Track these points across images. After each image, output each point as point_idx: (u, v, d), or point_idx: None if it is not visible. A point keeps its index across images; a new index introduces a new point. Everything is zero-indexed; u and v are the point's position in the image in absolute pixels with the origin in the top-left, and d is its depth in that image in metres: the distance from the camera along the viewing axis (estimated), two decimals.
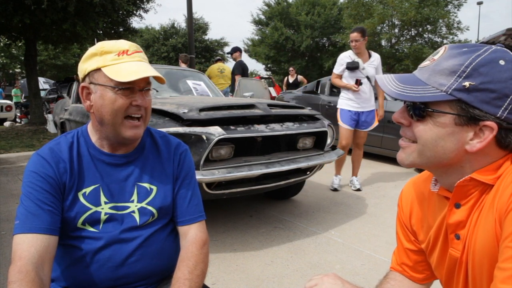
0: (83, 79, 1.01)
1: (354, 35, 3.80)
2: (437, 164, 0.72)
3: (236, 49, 7.05)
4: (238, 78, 6.37)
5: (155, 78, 1.01)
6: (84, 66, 1.00)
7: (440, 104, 0.67)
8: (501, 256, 0.62)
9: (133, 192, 1.05)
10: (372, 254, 2.49)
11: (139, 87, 0.99)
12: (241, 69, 6.61)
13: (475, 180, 0.69)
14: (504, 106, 0.64)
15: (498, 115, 0.64)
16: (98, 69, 0.97)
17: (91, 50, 1.00)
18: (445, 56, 0.69)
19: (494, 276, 0.63)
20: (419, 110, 0.70)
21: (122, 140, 1.03)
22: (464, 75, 0.65)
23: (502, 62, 0.65)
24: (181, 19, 49.16)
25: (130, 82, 0.95)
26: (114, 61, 0.97)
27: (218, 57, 8.73)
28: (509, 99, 0.64)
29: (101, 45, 0.99)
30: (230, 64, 7.08)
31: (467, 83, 0.64)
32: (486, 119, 0.65)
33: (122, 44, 1.00)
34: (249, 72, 7.52)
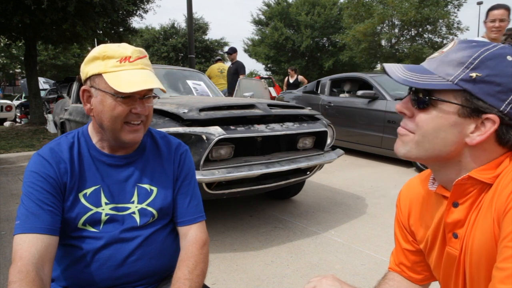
0: (85, 81, 1.01)
1: (500, 12, 2.90)
2: (435, 157, 0.72)
3: (235, 50, 7.18)
4: (242, 77, 6.49)
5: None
6: (86, 69, 1.00)
7: (445, 93, 0.68)
8: (500, 256, 0.62)
9: (133, 193, 1.05)
10: (372, 254, 2.49)
11: (139, 95, 0.98)
12: (243, 69, 6.81)
13: (473, 178, 0.69)
14: (508, 101, 0.65)
15: (501, 108, 0.65)
16: (99, 74, 0.97)
17: (93, 52, 0.99)
18: (455, 49, 0.70)
19: (492, 276, 0.63)
20: (424, 99, 0.70)
21: (121, 143, 1.03)
22: (471, 66, 0.66)
23: (510, 58, 0.65)
24: (181, 19, 49.21)
25: None
26: (115, 67, 0.96)
27: (218, 57, 8.74)
28: None
29: (103, 49, 0.97)
30: (227, 65, 7.23)
31: (474, 74, 0.65)
32: (489, 112, 0.65)
33: (125, 49, 0.98)
34: (249, 72, 7.62)
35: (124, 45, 1.00)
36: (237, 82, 6.60)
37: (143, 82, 0.96)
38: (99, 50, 0.98)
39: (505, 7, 2.98)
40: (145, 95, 1.00)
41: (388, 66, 0.75)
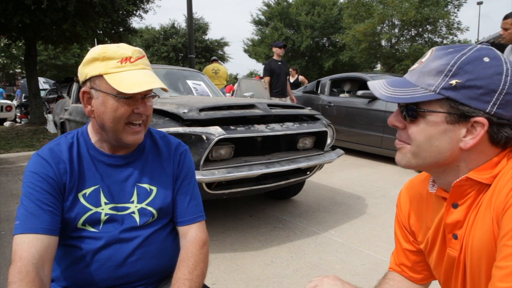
0: (84, 83, 1.00)
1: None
2: (433, 164, 0.73)
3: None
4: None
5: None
6: (85, 71, 0.99)
7: (431, 103, 0.69)
8: (499, 255, 0.62)
9: (133, 193, 1.05)
10: (372, 254, 2.49)
11: (141, 95, 0.99)
12: None
13: (472, 179, 0.70)
14: (493, 102, 0.65)
15: (487, 110, 0.66)
16: (100, 76, 0.96)
17: (92, 54, 0.98)
18: (432, 58, 0.71)
19: (492, 275, 0.63)
20: (412, 112, 0.71)
21: (122, 144, 1.03)
22: (450, 74, 0.67)
23: (486, 59, 0.66)
24: (181, 19, 49.19)
25: None
26: (116, 68, 0.95)
27: (213, 58, 8.76)
28: (496, 94, 0.65)
29: (103, 50, 0.96)
30: (227, 65, 7.11)
31: (453, 81, 0.66)
32: (476, 115, 0.66)
33: (125, 50, 0.98)
34: (248, 72, 7.52)
35: (123, 46, 1.00)
36: (287, 82, 6.07)
37: (147, 82, 0.95)
38: (98, 51, 0.97)
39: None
40: (146, 94, 1.00)
41: (372, 85, 0.76)
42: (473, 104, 0.66)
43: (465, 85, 0.66)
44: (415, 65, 0.74)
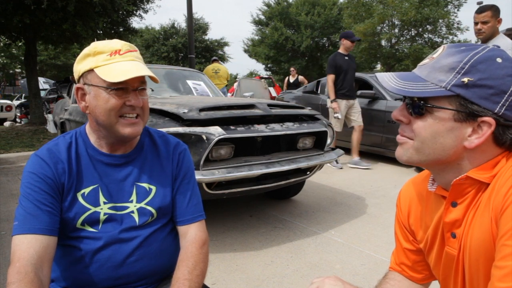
0: (78, 80, 1.01)
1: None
2: (435, 161, 0.73)
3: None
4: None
5: (149, 77, 1.00)
6: (78, 67, 1.00)
7: (440, 100, 0.69)
8: (498, 255, 0.62)
9: (132, 192, 1.05)
10: (372, 254, 2.49)
11: (132, 87, 0.98)
12: None
13: (471, 178, 0.70)
14: (502, 103, 0.65)
15: (496, 111, 0.66)
16: (91, 70, 0.97)
17: (84, 51, 1.00)
18: (444, 54, 0.70)
19: (491, 275, 0.63)
20: (419, 107, 0.71)
21: (121, 138, 1.02)
22: (462, 71, 0.67)
23: (499, 60, 0.66)
24: (181, 19, 49.18)
25: (122, 82, 0.94)
26: (106, 61, 0.96)
27: (214, 58, 8.81)
28: (506, 96, 0.65)
29: (94, 46, 0.98)
30: (227, 65, 7.07)
31: (466, 79, 0.66)
32: (484, 115, 0.66)
33: (115, 43, 0.99)
34: (248, 72, 7.52)
35: (114, 40, 1.01)
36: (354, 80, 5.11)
37: (134, 70, 0.96)
38: (90, 47, 0.99)
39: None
40: (138, 87, 1.00)
41: (381, 76, 0.76)
42: (482, 104, 0.65)
43: (476, 84, 0.65)
44: (426, 60, 0.73)
